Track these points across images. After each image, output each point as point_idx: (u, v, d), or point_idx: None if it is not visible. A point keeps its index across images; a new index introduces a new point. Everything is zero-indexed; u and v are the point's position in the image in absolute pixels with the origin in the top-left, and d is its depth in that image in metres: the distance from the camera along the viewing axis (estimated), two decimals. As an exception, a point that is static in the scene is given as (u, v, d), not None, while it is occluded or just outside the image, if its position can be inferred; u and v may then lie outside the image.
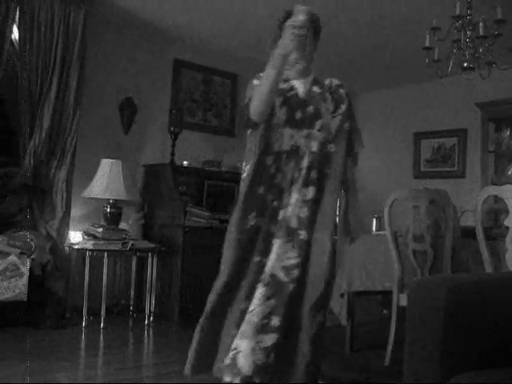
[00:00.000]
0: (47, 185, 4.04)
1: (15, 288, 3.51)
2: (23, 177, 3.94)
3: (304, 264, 2.14)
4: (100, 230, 3.98)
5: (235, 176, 5.06)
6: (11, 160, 4.08)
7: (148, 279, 4.19)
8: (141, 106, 4.78)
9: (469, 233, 2.96)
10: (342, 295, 3.49)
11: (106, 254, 3.97)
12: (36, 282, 3.65)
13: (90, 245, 3.90)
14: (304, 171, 2.19)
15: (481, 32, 3.53)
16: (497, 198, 2.81)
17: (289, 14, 2.23)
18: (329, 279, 2.15)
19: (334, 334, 3.90)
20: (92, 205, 4.35)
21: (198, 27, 4.74)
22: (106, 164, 4.16)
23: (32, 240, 3.70)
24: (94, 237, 3.98)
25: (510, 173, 4.92)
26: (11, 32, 3.94)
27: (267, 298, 2.07)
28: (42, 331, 3.57)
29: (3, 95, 4.27)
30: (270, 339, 2.03)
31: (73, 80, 4.12)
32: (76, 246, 4.04)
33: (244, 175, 2.27)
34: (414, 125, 6.11)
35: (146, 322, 4.08)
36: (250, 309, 2.07)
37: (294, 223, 2.15)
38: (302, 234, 2.14)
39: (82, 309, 3.85)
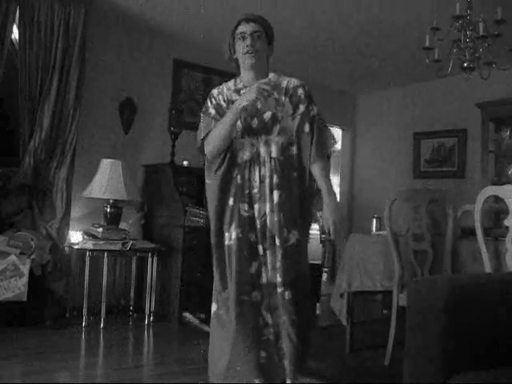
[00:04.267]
0: (47, 185, 4.04)
1: (15, 288, 3.51)
2: (23, 177, 3.94)
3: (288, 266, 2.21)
4: (100, 229, 3.98)
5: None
6: (11, 160, 4.08)
7: (148, 279, 4.19)
8: (141, 106, 4.77)
9: (469, 233, 2.96)
10: (341, 295, 3.49)
11: (106, 253, 3.97)
12: (36, 281, 3.65)
13: (90, 245, 3.90)
14: (267, 178, 2.21)
15: (481, 32, 3.53)
16: (497, 198, 2.81)
17: (238, 22, 2.31)
18: (301, 275, 2.24)
19: (334, 334, 3.90)
20: (92, 205, 4.35)
21: (198, 27, 4.74)
22: (105, 164, 4.16)
23: (32, 240, 3.71)
24: (94, 237, 3.98)
25: (510, 173, 4.92)
26: (11, 32, 3.94)
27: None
28: (42, 331, 3.57)
29: (3, 95, 4.27)
30: None
31: (73, 80, 4.12)
32: (76, 246, 4.04)
33: (209, 190, 2.32)
34: (414, 125, 6.11)
35: (146, 321, 4.08)
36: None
37: (272, 230, 2.21)
38: (279, 239, 2.19)
39: (81, 309, 3.85)
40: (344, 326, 3.43)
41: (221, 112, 2.30)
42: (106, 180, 4.08)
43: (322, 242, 8.37)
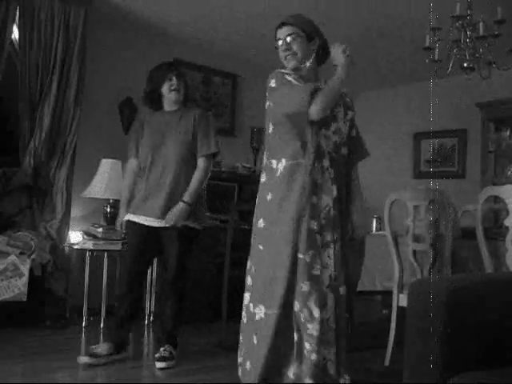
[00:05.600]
0: (47, 185, 4.03)
1: (15, 288, 3.51)
2: (23, 177, 3.94)
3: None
4: (100, 229, 3.98)
5: (235, 176, 5.07)
6: (11, 160, 4.08)
7: (148, 279, 4.18)
8: (141, 106, 4.77)
9: (469, 233, 2.96)
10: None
11: (105, 254, 3.97)
12: (36, 281, 3.65)
13: (90, 245, 3.90)
14: (329, 171, 2.24)
15: (481, 32, 3.53)
16: (497, 198, 2.81)
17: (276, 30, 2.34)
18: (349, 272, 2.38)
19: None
20: (92, 205, 4.35)
21: (198, 27, 4.74)
22: (106, 164, 4.16)
23: (32, 240, 3.70)
24: (94, 237, 3.98)
25: (510, 173, 4.92)
26: (11, 32, 3.94)
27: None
28: (41, 331, 3.57)
29: (3, 95, 4.27)
30: None
31: (73, 80, 4.12)
32: (76, 246, 4.04)
33: (282, 173, 2.23)
34: (414, 125, 6.11)
35: (146, 321, 4.08)
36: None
37: (334, 221, 2.25)
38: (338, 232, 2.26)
39: (81, 309, 3.85)
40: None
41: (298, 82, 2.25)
42: (106, 180, 4.08)
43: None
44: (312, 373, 2.13)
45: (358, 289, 3.37)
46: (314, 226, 2.18)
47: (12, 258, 3.53)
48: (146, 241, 2.99)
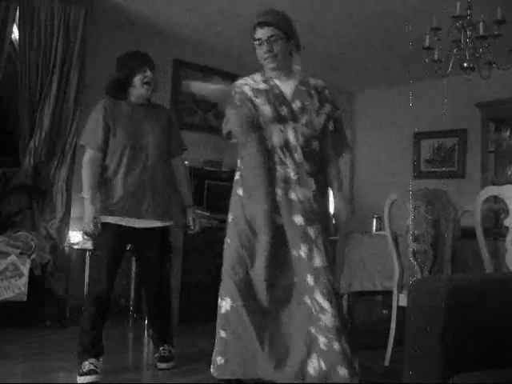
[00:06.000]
0: (47, 185, 4.04)
1: (15, 288, 3.51)
2: (23, 177, 3.94)
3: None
4: (100, 229, 3.97)
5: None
6: (11, 160, 4.08)
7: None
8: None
9: (469, 233, 2.96)
10: (342, 295, 3.49)
11: (105, 253, 3.96)
12: (36, 282, 3.65)
13: (89, 245, 3.90)
14: (303, 164, 2.24)
15: (481, 32, 3.53)
16: (497, 198, 2.81)
17: (254, 27, 2.36)
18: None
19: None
20: (92, 205, 4.34)
21: (198, 27, 4.74)
22: (105, 164, 4.15)
23: (32, 240, 3.70)
24: (94, 237, 3.97)
25: (510, 173, 4.92)
26: (11, 32, 3.94)
27: None
28: (41, 331, 3.57)
29: (3, 95, 4.27)
30: None
31: (73, 80, 4.12)
32: (76, 246, 4.04)
33: (242, 174, 2.35)
34: (413, 125, 6.11)
35: (146, 321, 4.07)
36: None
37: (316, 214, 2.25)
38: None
39: (81, 309, 3.84)
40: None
41: (245, 101, 2.32)
42: (106, 180, 4.07)
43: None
44: (341, 360, 2.12)
45: (358, 289, 3.37)
46: (298, 219, 2.21)
47: (12, 258, 3.53)
48: (125, 242, 2.87)
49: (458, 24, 3.60)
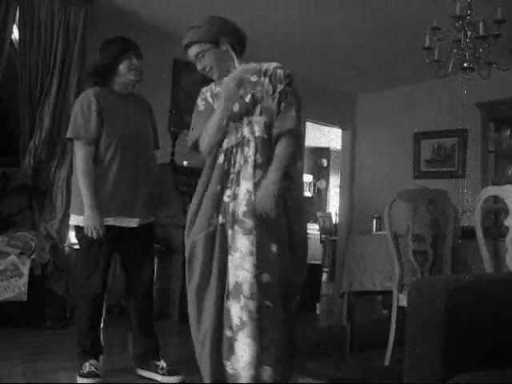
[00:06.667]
0: (47, 185, 4.04)
1: (15, 288, 3.51)
2: (23, 177, 3.94)
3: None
4: (100, 230, 3.97)
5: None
6: (11, 160, 4.08)
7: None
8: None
9: (469, 233, 2.96)
10: (342, 295, 3.49)
11: (105, 254, 3.96)
12: (36, 282, 3.65)
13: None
14: (251, 157, 2.17)
15: (481, 32, 3.53)
16: (497, 198, 2.81)
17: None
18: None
19: (334, 333, 3.90)
20: (92, 205, 4.34)
21: (198, 27, 4.74)
22: (106, 164, 4.15)
23: (32, 240, 3.70)
24: (94, 237, 3.97)
25: (510, 173, 4.92)
26: (11, 32, 3.94)
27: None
28: (42, 331, 3.57)
29: (3, 95, 4.27)
30: None
31: (73, 80, 4.12)
32: (76, 246, 4.03)
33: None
34: (414, 125, 6.11)
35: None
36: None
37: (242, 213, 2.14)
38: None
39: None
40: (344, 326, 3.43)
41: (209, 107, 2.39)
42: (106, 180, 4.06)
43: (322, 242, 8.39)
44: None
45: (358, 289, 3.37)
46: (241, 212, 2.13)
47: (12, 258, 3.53)
48: (117, 241, 2.71)
49: (457, 24, 3.60)
